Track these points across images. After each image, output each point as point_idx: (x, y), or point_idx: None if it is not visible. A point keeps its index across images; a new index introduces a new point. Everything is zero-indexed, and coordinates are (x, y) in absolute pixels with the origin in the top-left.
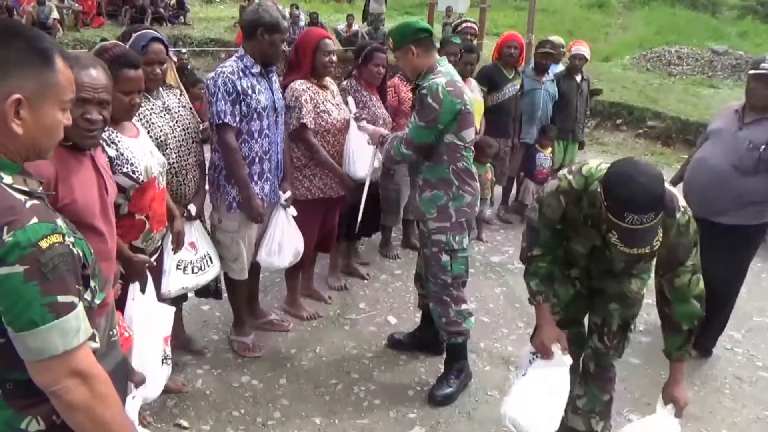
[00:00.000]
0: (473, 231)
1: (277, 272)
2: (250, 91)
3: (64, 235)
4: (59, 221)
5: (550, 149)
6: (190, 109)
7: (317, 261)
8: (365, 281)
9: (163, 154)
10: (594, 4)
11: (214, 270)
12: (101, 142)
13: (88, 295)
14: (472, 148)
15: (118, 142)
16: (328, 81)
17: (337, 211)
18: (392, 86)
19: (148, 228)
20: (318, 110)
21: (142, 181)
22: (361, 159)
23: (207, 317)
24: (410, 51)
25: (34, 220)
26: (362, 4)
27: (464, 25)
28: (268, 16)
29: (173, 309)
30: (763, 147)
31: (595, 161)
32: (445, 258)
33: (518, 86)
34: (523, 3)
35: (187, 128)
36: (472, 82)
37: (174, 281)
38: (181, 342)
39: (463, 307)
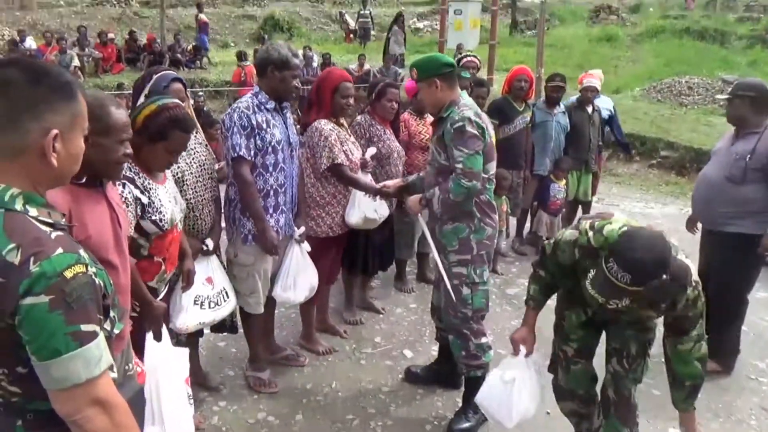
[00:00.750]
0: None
1: (292, 307)
2: (264, 126)
3: (87, 265)
4: (82, 252)
5: (564, 180)
6: (206, 146)
7: (332, 296)
8: (380, 315)
9: (180, 190)
10: (602, 38)
11: (230, 305)
12: (136, 188)
13: (107, 325)
14: (493, 180)
15: (151, 189)
16: (343, 119)
17: (344, 245)
18: (403, 121)
19: (164, 269)
20: (342, 149)
21: (167, 229)
22: (360, 206)
23: (223, 353)
24: (434, 84)
25: (59, 250)
26: (374, 45)
27: (465, 60)
28: (277, 54)
29: (187, 350)
30: (748, 157)
31: (619, 221)
32: (466, 291)
33: (528, 119)
34: (532, 39)
35: (203, 165)
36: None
37: (191, 316)
38: (197, 378)
39: (483, 340)
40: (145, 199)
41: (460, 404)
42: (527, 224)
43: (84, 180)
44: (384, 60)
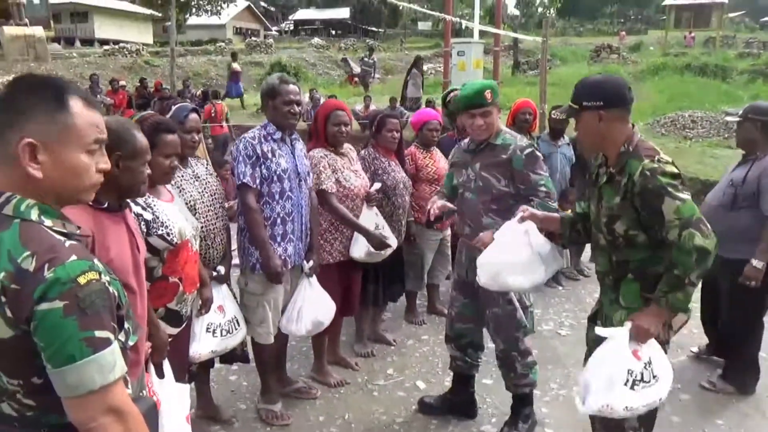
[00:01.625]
0: None
1: (303, 340)
2: (270, 155)
3: (101, 273)
4: (96, 260)
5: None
6: (216, 177)
7: (343, 328)
8: (392, 347)
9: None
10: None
11: (240, 333)
12: (137, 206)
13: (122, 336)
14: None
15: (154, 206)
16: (348, 148)
17: (360, 274)
18: (410, 154)
19: (182, 290)
20: (337, 176)
21: (176, 243)
22: (362, 239)
23: (234, 386)
24: (498, 109)
25: (73, 257)
26: (378, 87)
27: (453, 93)
28: (266, 85)
29: (188, 386)
30: (740, 184)
31: None
32: (519, 314)
33: None
34: (534, 79)
35: (214, 194)
36: None
37: (204, 344)
38: (208, 412)
39: (529, 359)
40: (148, 215)
41: (509, 416)
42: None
43: (106, 204)
44: (401, 102)
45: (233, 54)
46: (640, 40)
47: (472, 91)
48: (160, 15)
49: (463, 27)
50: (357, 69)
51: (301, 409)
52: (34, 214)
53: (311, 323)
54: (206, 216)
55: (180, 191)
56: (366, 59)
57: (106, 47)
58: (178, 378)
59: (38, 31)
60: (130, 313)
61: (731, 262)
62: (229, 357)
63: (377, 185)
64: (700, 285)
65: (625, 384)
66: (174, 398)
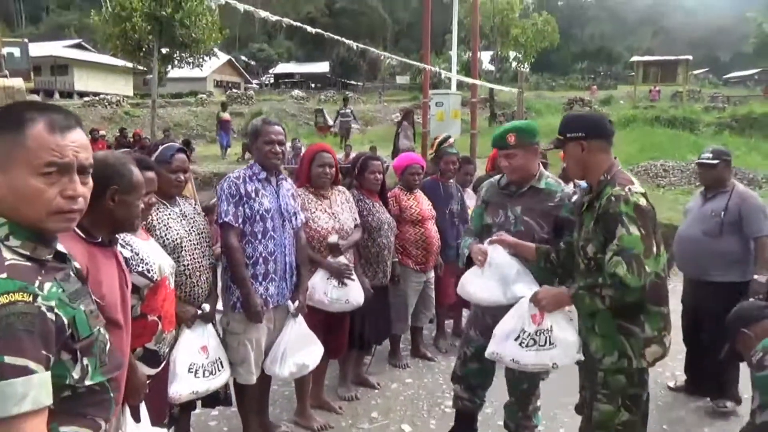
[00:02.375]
0: None
1: (285, 384)
2: (254, 195)
3: (36, 296)
4: (47, 285)
5: None
6: (204, 216)
7: (326, 372)
8: (376, 390)
9: (179, 257)
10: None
11: (224, 375)
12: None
13: (75, 372)
14: None
15: (132, 243)
16: (336, 190)
17: (345, 315)
18: (393, 196)
19: (161, 329)
20: (306, 216)
21: (156, 279)
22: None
23: (215, 431)
24: (533, 150)
25: (2, 276)
26: (358, 137)
27: (449, 140)
28: (251, 127)
29: (166, 431)
30: (722, 213)
31: None
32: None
33: None
34: None
35: (201, 233)
36: (470, 191)
37: (185, 385)
38: None
39: (538, 404)
40: (126, 252)
41: None
42: None
43: (99, 239)
44: (393, 154)
45: (223, 104)
46: (610, 94)
47: (497, 134)
48: (141, 68)
49: (443, 77)
50: (330, 121)
51: None
52: (1, 233)
53: (295, 365)
54: (192, 254)
55: (167, 229)
56: (342, 110)
57: (86, 99)
58: (155, 422)
59: (17, 82)
60: (94, 349)
61: (724, 285)
62: (211, 400)
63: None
64: (680, 317)
65: (515, 339)
66: None
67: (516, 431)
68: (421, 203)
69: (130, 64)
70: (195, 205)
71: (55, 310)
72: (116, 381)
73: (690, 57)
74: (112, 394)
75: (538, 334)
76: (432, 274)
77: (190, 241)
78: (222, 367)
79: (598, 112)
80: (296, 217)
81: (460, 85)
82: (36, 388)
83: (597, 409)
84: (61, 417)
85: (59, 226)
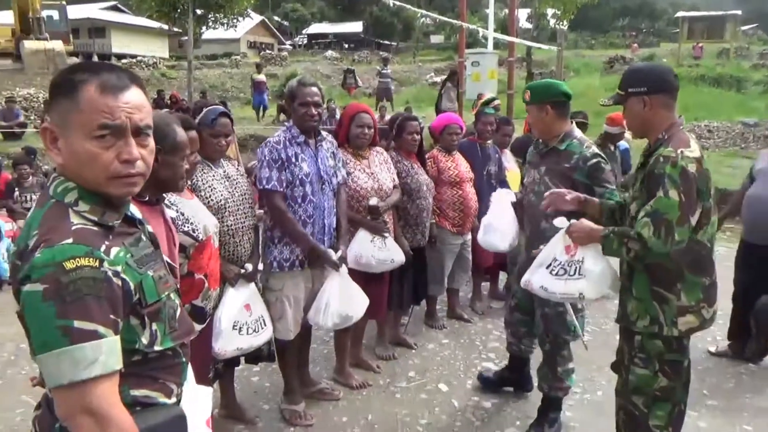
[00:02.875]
0: None
1: (324, 343)
2: (294, 159)
3: (102, 261)
4: (115, 250)
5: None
6: (247, 178)
7: (364, 331)
8: (413, 350)
9: (222, 217)
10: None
11: (267, 332)
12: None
13: (145, 337)
14: None
15: (178, 203)
16: (374, 151)
17: (384, 276)
18: (431, 157)
19: (207, 286)
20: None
21: (202, 239)
22: (357, 247)
23: (257, 387)
24: (545, 109)
25: (68, 240)
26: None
27: (495, 103)
28: (287, 89)
29: (211, 389)
30: None
31: None
32: (570, 317)
33: None
34: None
35: (244, 194)
36: (508, 153)
37: (229, 341)
38: (232, 412)
39: (569, 366)
40: (172, 213)
41: (536, 417)
42: None
43: (146, 198)
44: (437, 114)
45: (258, 65)
46: (653, 52)
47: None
48: (176, 29)
49: (480, 35)
50: (360, 81)
51: (324, 410)
52: (69, 197)
53: (339, 316)
54: (235, 215)
55: (211, 190)
56: (383, 70)
57: (123, 61)
58: (200, 379)
59: (58, 45)
60: (163, 315)
61: None
62: (254, 356)
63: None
64: (732, 282)
65: (547, 267)
66: (195, 401)
67: (549, 392)
68: (459, 165)
69: (165, 26)
70: (238, 166)
71: (122, 275)
72: (187, 346)
73: (739, 12)
74: (184, 359)
75: (569, 264)
76: (469, 236)
77: (234, 202)
78: (265, 324)
79: (663, 64)
80: (336, 176)
81: (497, 45)
82: (105, 353)
83: (634, 373)
84: (132, 380)
85: (120, 191)
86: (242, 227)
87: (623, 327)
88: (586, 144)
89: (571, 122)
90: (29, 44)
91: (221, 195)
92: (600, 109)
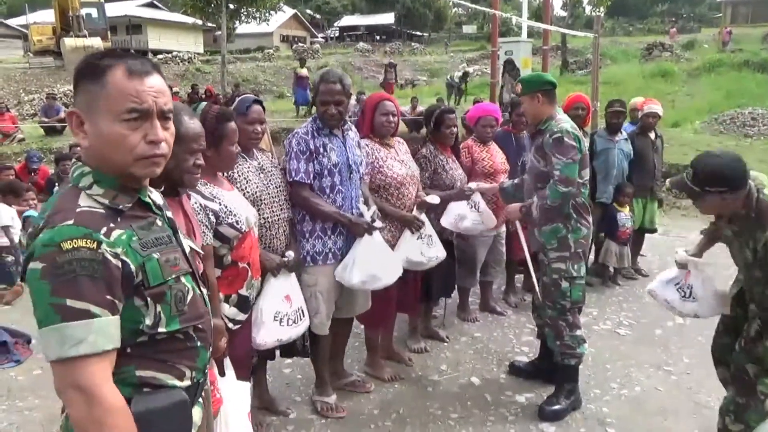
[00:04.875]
0: None
1: (355, 335)
2: (321, 150)
3: (99, 243)
4: (116, 233)
5: (628, 207)
6: (281, 169)
7: (395, 324)
8: (445, 344)
9: (258, 210)
10: (657, 74)
11: (304, 324)
12: (204, 198)
13: (149, 319)
14: (587, 184)
15: (220, 196)
16: (396, 141)
17: (420, 273)
18: (466, 147)
19: (251, 275)
20: (377, 165)
21: (244, 230)
22: (402, 247)
23: (289, 379)
24: (537, 98)
25: (68, 222)
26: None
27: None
28: (313, 83)
29: (249, 384)
30: None
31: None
32: (564, 284)
33: (585, 147)
34: (583, 78)
35: (279, 186)
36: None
37: (270, 333)
38: (264, 403)
39: (578, 332)
40: (215, 206)
41: (553, 390)
42: (591, 255)
43: (162, 189)
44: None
45: (301, 60)
46: (694, 37)
47: None
48: (210, 25)
49: (513, 23)
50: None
51: (356, 402)
52: (85, 182)
53: (366, 275)
54: (271, 207)
55: (247, 182)
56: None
57: (159, 56)
58: (240, 374)
59: (96, 42)
60: (168, 297)
61: None
62: (288, 349)
63: (436, 199)
64: None
65: (675, 285)
66: (236, 396)
67: (561, 360)
68: (494, 156)
69: (199, 21)
70: (272, 158)
71: (122, 257)
72: (203, 331)
73: None
74: (199, 344)
75: (686, 287)
76: (503, 228)
77: (269, 194)
78: (304, 315)
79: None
80: (362, 166)
81: (531, 33)
82: (95, 332)
83: (763, 346)
84: (138, 361)
85: (145, 172)
86: (278, 219)
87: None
88: (561, 122)
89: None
90: (69, 42)
91: (256, 187)
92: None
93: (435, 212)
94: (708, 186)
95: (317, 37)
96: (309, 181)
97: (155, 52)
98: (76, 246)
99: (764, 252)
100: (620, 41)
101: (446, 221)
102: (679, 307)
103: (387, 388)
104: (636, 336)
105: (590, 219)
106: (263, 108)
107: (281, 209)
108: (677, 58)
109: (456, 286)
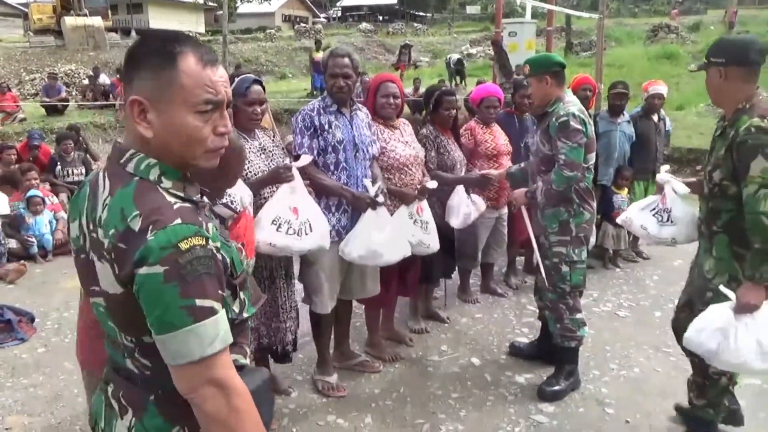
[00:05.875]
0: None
1: (356, 315)
2: (327, 127)
3: (207, 239)
4: (210, 225)
5: (626, 190)
6: (283, 149)
7: (396, 305)
8: (445, 324)
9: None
10: (662, 56)
11: (310, 240)
12: None
13: (236, 306)
14: (592, 169)
15: None
16: (401, 122)
17: (419, 257)
18: (469, 129)
19: (245, 254)
20: (381, 147)
21: (239, 210)
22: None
23: (289, 358)
24: (545, 80)
25: (177, 221)
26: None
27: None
28: (323, 60)
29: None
30: None
31: None
32: (564, 268)
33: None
34: (587, 60)
35: None
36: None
37: (263, 234)
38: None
39: (578, 316)
40: None
41: (553, 371)
42: (591, 237)
43: None
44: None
45: (317, 41)
46: (700, 19)
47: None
48: (211, 4)
49: (518, 3)
50: (418, 58)
51: (357, 382)
52: (153, 174)
53: (366, 249)
54: (272, 187)
55: (248, 163)
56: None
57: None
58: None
59: (97, 21)
60: (247, 284)
61: None
62: (284, 354)
63: (434, 183)
64: None
65: (651, 210)
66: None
67: (561, 342)
68: (497, 138)
69: (200, 0)
70: (274, 137)
71: (221, 251)
72: None
73: None
74: (250, 322)
75: (663, 211)
76: (505, 210)
77: None
78: (310, 230)
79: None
80: (372, 147)
81: (534, 14)
82: (223, 328)
83: None
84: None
85: (210, 163)
86: None
87: (694, 281)
88: (569, 105)
89: (567, 88)
90: (70, 21)
91: (257, 167)
92: (642, 79)
93: (438, 198)
94: (712, 56)
95: (319, 17)
96: (313, 156)
97: None
98: (192, 245)
99: (740, 136)
100: (625, 23)
101: (456, 222)
102: (656, 233)
103: (388, 368)
104: (636, 318)
105: (593, 204)
106: (263, 88)
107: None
108: (683, 40)
109: (457, 268)
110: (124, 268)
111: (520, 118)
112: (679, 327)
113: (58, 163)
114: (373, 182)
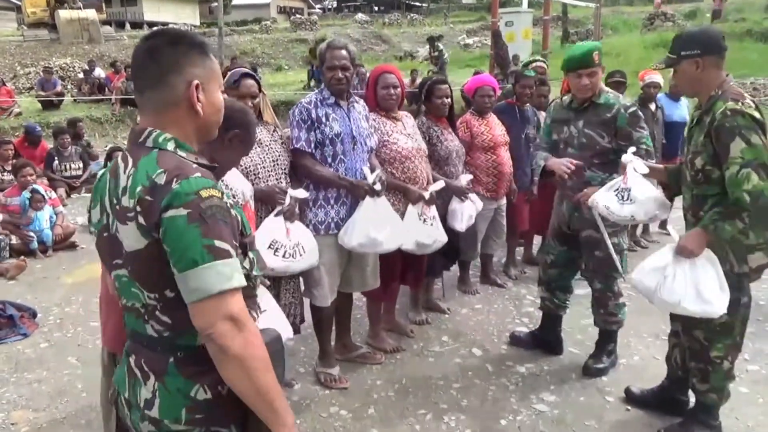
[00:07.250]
0: None
1: (356, 307)
2: (324, 119)
3: (223, 194)
4: (220, 185)
5: None
6: (282, 143)
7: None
8: (446, 315)
9: (252, 182)
10: (658, 44)
11: (305, 260)
12: None
13: (246, 264)
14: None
15: None
16: (405, 114)
17: None
18: (464, 122)
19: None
20: (383, 139)
21: (241, 204)
22: (410, 230)
23: (292, 351)
24: (599, 73)
25: (198, 174)
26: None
27: (535, 64)
28: (319, 53)
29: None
30: None
31: None
32: (616, 258)
33: None
34: None
35: (277, 160)
36: (545, 114)
37: (264, 260)
38: None
39: (621, 300)
40: None
41: (594, 349)
42: None
43: None
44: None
45: (322, 39)
46: (696, 7)
47: (581, 53)
48: None
49: None
50: (446, 55)
51: (359, 374)
52: (170, 146)
53: (366, 237)
54: (267, 181)
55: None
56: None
57: (155, 29)
58: None
59: (91, 14)
60: (255, 245)
61: None
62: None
63: (378, 172)
64: None
65: (615, 191)
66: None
67: (604, 326)
68: (493, 129)
69: None
70: (273, 131)
71: (234, 209)
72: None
73: None
74: (256, 292)
75: (624, 191)
76: (504, 201)
77: (265, 168)
78: (303, 251)
79: (712, 26)
80: (370, 139)
81: (531, 3)
82: (237, 270)
83: None
84: None
85: (216, 133)
86: None
87: None
88: (620, 96)
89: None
90: (64, 14)
91: (251, 161)
92: (638, 68)
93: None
94: (684, 50)
95: (315, 8)
96: (309, 150)
97: (151, 24)
98: (211, 194)
99: (717, 120)
100: (622, 11)
101: (460, 226)
102: (617, 212)
103: (389, 360)
104: (636, 306)
105: None
106: (258, 82)
107: (278, 183)
108: (680, 28)
109: (457, 259)
110: (151, 216)
111: (522, 109)
112: (676, 315)
113: (56, 158)
114: (372, 170)
